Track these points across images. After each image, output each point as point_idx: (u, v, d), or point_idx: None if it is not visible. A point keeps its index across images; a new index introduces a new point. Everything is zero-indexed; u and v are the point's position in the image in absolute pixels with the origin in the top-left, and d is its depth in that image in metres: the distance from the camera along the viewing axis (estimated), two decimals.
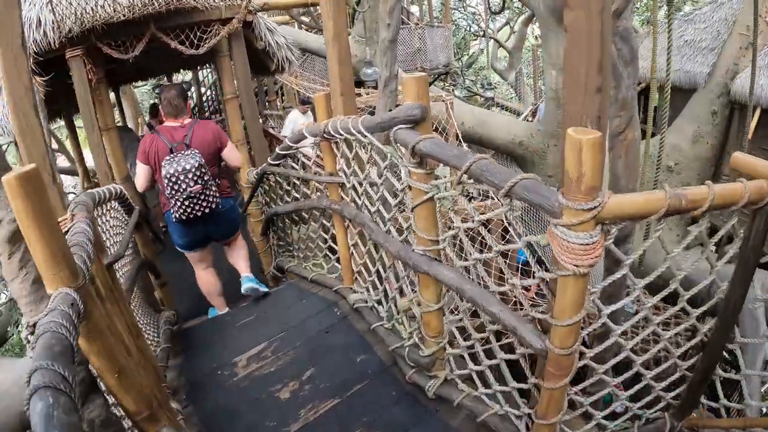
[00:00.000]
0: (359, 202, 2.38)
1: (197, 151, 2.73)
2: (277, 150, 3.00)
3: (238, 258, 3.36)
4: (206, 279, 3.25)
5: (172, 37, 3.53)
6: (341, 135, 2.19)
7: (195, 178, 2.65)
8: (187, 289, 3.73)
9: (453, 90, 14.10)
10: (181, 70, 9.32)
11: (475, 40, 17.95)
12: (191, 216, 2.74)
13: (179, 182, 2.64)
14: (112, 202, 2.45)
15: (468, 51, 18.17)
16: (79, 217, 1.46)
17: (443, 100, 6.23)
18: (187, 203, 2.68)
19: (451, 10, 16.12)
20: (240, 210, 3.70)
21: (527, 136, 6.58)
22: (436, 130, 6.23)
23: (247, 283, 3.20)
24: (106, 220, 2.27)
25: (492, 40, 16.58)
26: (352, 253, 2.71)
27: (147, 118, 7.47)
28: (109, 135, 3.81)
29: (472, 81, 16.51)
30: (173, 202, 2.70)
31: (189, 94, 7.91)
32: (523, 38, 16.53)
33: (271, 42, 4.31)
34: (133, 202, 2.83)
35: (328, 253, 3.31)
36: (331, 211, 2.69)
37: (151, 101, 9.92)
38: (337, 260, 3.02)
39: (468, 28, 17.79)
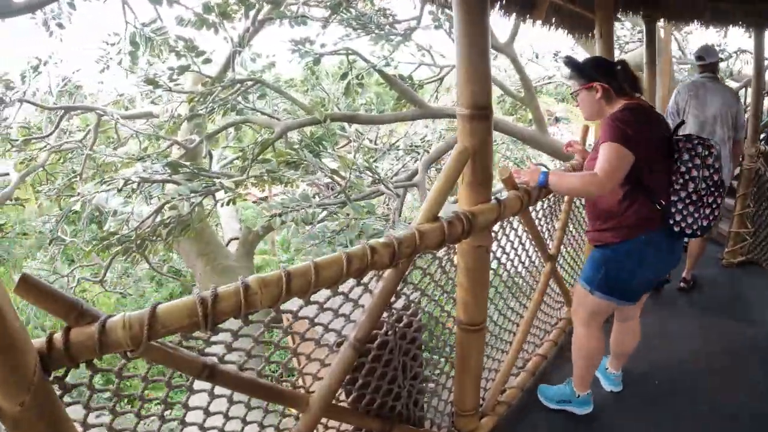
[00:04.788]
0: None
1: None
2: None
3: (634, 339, 2.20)
4: (598, 344, 2.07)
5: None
6: None
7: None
8: None
9: None
10: None
11: None
12: (697, 231, 1.77)
13: (717, 193, 1.77)
14: None
15: None
16: None
17: None
18: (707, 212, 1.78)
19: None
20: None
21: None
22: None
23: (619, 386, 2.32)
24: None
25: None
26: None
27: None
28: None
29: None
30: (691, 215, 1.74)
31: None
32: None
33: None
34: None
35: None
36: None
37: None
38: None
39: None
